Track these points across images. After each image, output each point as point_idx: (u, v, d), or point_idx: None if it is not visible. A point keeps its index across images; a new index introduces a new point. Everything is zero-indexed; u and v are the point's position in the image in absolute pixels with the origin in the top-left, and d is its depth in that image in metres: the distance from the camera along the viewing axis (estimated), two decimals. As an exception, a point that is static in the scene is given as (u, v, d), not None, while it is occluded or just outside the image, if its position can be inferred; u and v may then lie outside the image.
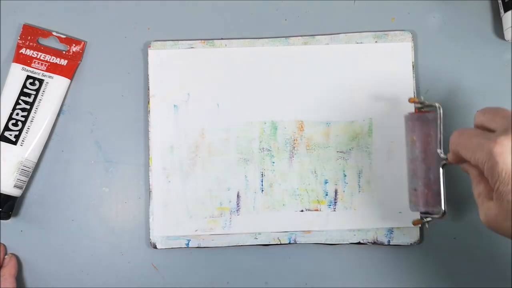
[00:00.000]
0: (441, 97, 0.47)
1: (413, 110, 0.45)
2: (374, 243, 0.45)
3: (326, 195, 0.45)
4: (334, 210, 0.45)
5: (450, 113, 0.47)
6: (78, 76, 0.47)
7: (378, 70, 0.46)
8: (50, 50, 0.46)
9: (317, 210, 0.45)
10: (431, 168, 0.42)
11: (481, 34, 0.47)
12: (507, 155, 0.30)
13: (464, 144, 0.34)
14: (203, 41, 0.46)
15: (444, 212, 0.41)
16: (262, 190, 0.45)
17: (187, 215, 0.45)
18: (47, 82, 0.45)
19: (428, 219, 0.42)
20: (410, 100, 0.43)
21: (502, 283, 0.46)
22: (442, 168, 0.41)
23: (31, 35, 0.46)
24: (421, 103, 0.43)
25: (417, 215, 0.44)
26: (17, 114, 0.44)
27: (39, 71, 0.45)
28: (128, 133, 0.46)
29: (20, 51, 0.45)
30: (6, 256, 0.45)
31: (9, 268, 0.44)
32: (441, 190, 0.41)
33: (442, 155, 0.40)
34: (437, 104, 0.41)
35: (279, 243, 0.45)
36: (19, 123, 0.44)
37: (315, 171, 0.45)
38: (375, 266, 0.46)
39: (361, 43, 0.46)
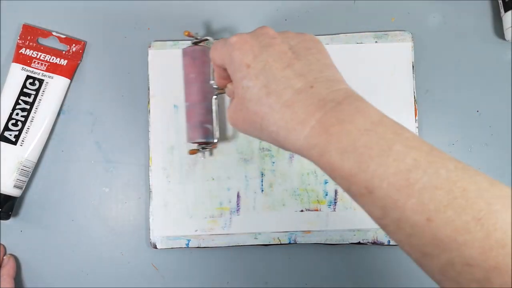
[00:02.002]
0: (441, 97, 0.47)
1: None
2: (374, 243, 0.45)
3: (326, 195, 0.45)
4: (334, 210, 0.45)
5: (450, 113, 0.47)
6: (78, 76, 0.47)
7: (378, 70, 0.46)
8: (50, 50, 0.46)
9: (317, 210, 0.45)
10: (203, 101, 0.43)
11: (481, 34, 0.47)
12: (243, 43, 0.32)
13: (214, 51, 0.35)
14: (203, 41, 0.46)
15: (216, 141, 0.43)
16: (262, 190, 0.45)
17: (187, 215, 0.45)
18: (47, 82, 0.45)
19: (204, 149, 0.44)
20: (185, 33, 0.44)
21: (502, 283, 0.46)
22: (215, 98, 0.43)
23: (31, 35, 0.46)
24: (195, 37, 0.44)
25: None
26: (17, 114, 0.44)
27: (39, 71, 0.45)
28: (128, 133, 0.46)
29: (20, 51, 0.45)
30: (5, 257, 0.45)
31: (8, 269, 0.44)
32: (213, 120, 0.43)
33: (214, 86, 0.40)
34: (210, 39, 0.44)
35: (279, 243, 0.45)
36: (19, 123, 0.44)
37: (315, 171, 0.45)
38: (375, 266, 0.46)
39: (361, 43, 0.46)
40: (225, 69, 0.36)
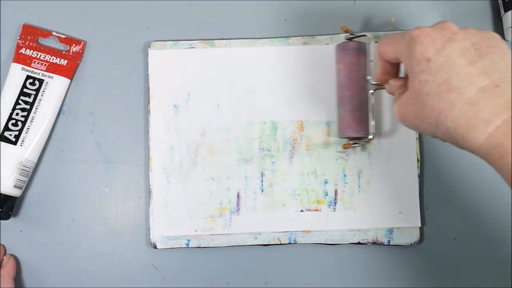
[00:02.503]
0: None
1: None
2: (374, 243, 0.45)
3: (326, 195, 0.45)
4: (334, 210, 0.45)
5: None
6: (78, 76, 0.47)
7: (378, 70, 0.46)
8: (50, 50, 0.46)
9: (317, 210, 0.45)
10: (356, 95, 0.43)
11: (481, 34, 0.47)
12: (425, 36, 0.32)
13: (386, 44, 0.36)
14: (203, 41, 0.46)
15: (372, 137, 0.44)
16: (262, 190, 0.45)
17: (187, 215, 0.45)
18: (47, 82, 0.45)
19: (356, 144, 0.44)
20: (342, 29, 0.44)
21: (502, 283, 0.46)
22: (372, 94, 0.43)
23: (31, 35, 0.46)
24: (351, 33, 0.44)
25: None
26: (17, 114, 0.44)
27: (39, 71, 0.45)
28: (128, 133, 0.46)
29: (20, 51, 0.45)
30: (4, 257, 0.45)
31: (7, 269, 0.44)
32: (369, 115, 0.43)
33: (372, 82, 0.41)
34: (368, 34, 0.43)
35: (279, 243, 0.45)
36: (19, 123, 0.44)
37: (315, 171, 0.45)
38: (375, 266, 0.46)
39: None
40: (392, 64, 0.36)
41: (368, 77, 0.40)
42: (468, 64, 0.30)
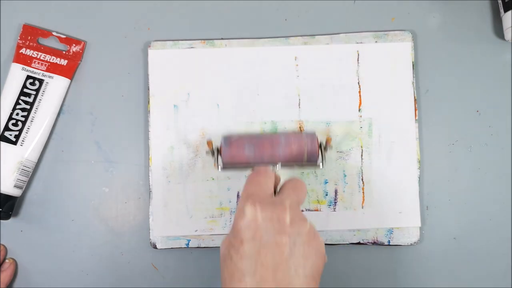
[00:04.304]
0: (441, 97, 0.47)
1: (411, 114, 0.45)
2: (374, 243, 0.45)
3: (326, 195, 0.45)
4: (334, 210, 0.45)
5: (450, 113, 0.47)
6: (78, 76, 0.47)
7: (378, 70, 0.46)
8: (50, 50, 0.46)
9: (317, 210, 0.45)
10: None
11: (481, 34, 0.47)
12: (252, 222, 0.32)
13: (246, 184, 0.36)
14: (203, 41, 0.46)
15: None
16: (262, 190, 0.45)
17: (187, 215, 0.45)
18: (47, 82, 0.45)
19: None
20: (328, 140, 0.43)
21: (502, 283, 0.46)
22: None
23: (31, 35, 0.46)
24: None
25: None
26: (17, 114, 0.44)
27: (39, 71, 0.45)
28: (128, 133, 0.46)
29: (20, 51, 0.45)
30: (6, 260, 0.45)
31: (4, 276, 0.44)
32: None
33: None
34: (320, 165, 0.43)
35: (279, 243, 0.45)
36: (19, 123, 0.44)
37: (315, 171, 0.45)
38: (375, 266, 0.46)
39: (361, 43, 0.46)
40: None
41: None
42: (269, 268, 0.31)
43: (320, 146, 0.43)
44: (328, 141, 0.43)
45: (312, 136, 0.43)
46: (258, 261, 0.31)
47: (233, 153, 0.42)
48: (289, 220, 0.32)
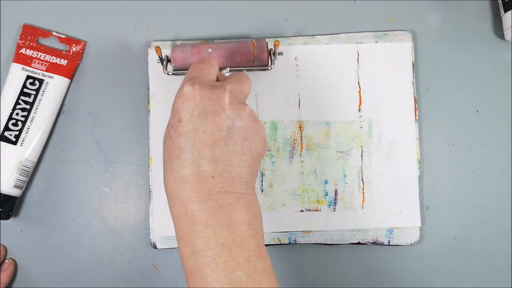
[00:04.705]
0: (441, 97, 0.47)
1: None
2: (374, 243, 0.45)
3: (326, 195, 0.45)
4: (334, 210, 0.45)
5: (450, 113, 0.47)
6: (78, 76, 0.47)
7: (378, 70, 0.46)
8: (50, 50, 0.46)
9: (317, 210, 0.45)
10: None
11: (481, 34, 0.47)
12: (190, 98, 0.33)
13: (208, 66, 0.37)
14: (203, 41, 0.46)
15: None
16: (262, 190, 0.45)
17: (187, 215, 0.45)
18: (47, 82, 0.45)
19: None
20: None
21: (502, 283, 0.46)
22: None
23: (31, 35, 0.46)
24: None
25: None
26: (17, 114, 0.44)
27: (39, 71, 0.45)
28: (128, 133, 0.46)
29: (20, 51, 0.45)
30: (6, 261, 0.45)
31: (5, 276, 0.44)
32: None
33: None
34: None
35: (279, 243, 0.45)
36: (19, 123, 0.44)
37: (315, 171, 0.45)
38: (375, 266, 0.46)
39: (361, 43, 0.46)
40: None
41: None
42: (207, 144, 0.31)
43: (269, 51, 0.44)
44: (276, 45, 0.43)
45: (261, 41, 0.43)
46: (196, 137, 0.31)
47: (184, 55, 0.43)
48: (228, 101, 0.33)
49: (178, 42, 0.46)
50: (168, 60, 0.44)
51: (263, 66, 0.44)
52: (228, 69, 0.42)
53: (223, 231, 0.30)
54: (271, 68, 0.44)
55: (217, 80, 0.37)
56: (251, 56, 0.43)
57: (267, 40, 0.44)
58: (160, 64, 0.45)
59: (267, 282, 0.31)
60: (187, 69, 0.42)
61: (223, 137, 0.32)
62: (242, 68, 0.44)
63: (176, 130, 0.32)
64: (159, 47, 0.42)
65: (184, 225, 0.31)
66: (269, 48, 0.44)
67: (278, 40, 0.43)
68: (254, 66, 0.44)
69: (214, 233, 0.30)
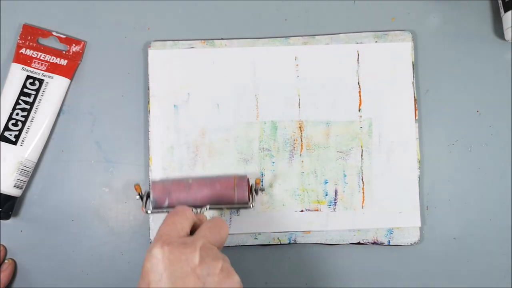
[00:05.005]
0: (441, 97, 0.47)
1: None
2: (374, 243, 0.45)
3: (326, 195, 0.45)
4: (334, 210, 0.45)
5: (450, 113, 0.47)
6: (78, 76, 0.47)
7: (378, 70, 0.46)
8: (50, 50, 0.46)
9: (317, 210, 0.45)
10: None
11: (481, 34, 0.47)
12: (159, 262, 0.32)
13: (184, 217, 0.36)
14: (203, 41, 0.46)
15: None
16: (262, 190, 0.45)
17: (187, 215, 0.45)
18: (47, 82, 0.45)
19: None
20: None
21: (502, 283, 0.46)
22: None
23: (31, 35, 0.46)
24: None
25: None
26: (17, 114, 0.44)
27: (39, 71, 0.45)
28: (128, 133, 0.46)
29: (20, 51, 0.45)
30: (6, 261, 0.45)
31: (4, 276, 0.44)
32: None
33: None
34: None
35: (279, 243, 0.45)
36: (19, 123, 0.44)
37: (315, 171, 0.45)
38: (375, 266, 0.46)
39: (361, 43, 0.46)
40: None
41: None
42: None
43: (250, 188, 0.43)
44: (257, 183, 0.43)
45: (242, 178, 0.43)
46: None
47: (163, 195, 0.42)
48: (198, 261, 0.32)
49: (178, 42, 0.46)
50: (148, 197, 0.43)
51: (244, 203, 0.43)
52: (207, 206, 0.41)
53: None
54: (252, 206, 0.42)
55: (193, 226, 0.36)
56: (232, 195, 0.42)
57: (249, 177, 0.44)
58: (160, 64, 0.45)
59: None
60: (166, 207, 0.42)
61: None
62: (223, 206, 0.43)
63: None
64: (139, 185, 0.41)
65: None
66: (250, 185, 0.43)
67: (259, 179, 0.43)
68: (235, 204, 0.42)
69: None
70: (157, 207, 0.42)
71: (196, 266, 0.31)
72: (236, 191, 0.42)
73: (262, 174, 0.45)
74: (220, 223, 0.36)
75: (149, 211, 0.42)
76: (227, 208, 0.44)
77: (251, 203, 0.43)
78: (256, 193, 0.43)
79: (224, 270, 0.32)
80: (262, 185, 0.44)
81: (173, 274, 0.31)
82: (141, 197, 0.42)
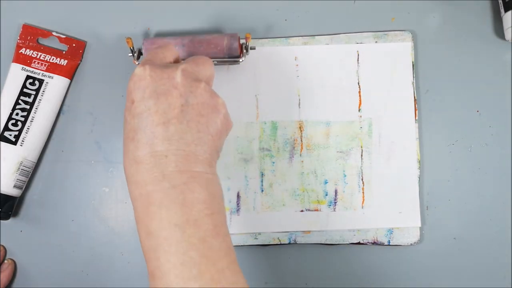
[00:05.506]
0: (441, 97, 0.47)
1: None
2: (374, 243, 0.45)
3: (326, 195, 0.45)
4: (334, 210, 0.45)
5: (450, 113, 0.47)
6: (78, 76, 0.47)
7: (378, 70, 0.46)
8: (50, 50, 0.46)
9: (317, 210, 0.45)
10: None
11: (481, 34, 0.47)
12: (141, 79, 0.33)
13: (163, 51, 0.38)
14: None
15: None
16: (262, 190, 0.45)
17: (187, 215, 0.45)
18: (47, 82, 0.45)
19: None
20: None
21: (502, 283, 0.46)
22: None
23: (31, 35, 0.46)
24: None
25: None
26: (17, 114, 0.44)
27: (39, 71, 0.45)
28: (128, 133, 0.46)
29: (20, 51, 0.45)
30: (5, 261, 0.45)
31: (4, 276, 0.44)
32: None
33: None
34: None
35: (279, 243, 0.45)
36: (19, 123, 0.44)
37: (315, 171, 0.45)
38: (375, 266, 0.46)
39: (361, 43, 0.46)
40: None
41: None
42: (160, 123, 0.31)
43: (241, 44, 0.43)
44: (247, 37, 0.42)
45: (233, 35, 0.43)
46: (149, 118, 0.31)
47: (154, 41, 0.42)
48: (180, 79, 0.32)
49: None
50: (140, 53, 0.43)
51: (235, 57, 0.43)
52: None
53: (176, 211, 0.30)
54: (242, 61, 0.43)
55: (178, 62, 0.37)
56: (222, 48, 0.42)
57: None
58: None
59: (224, 261, 0.30)
60: None
61: (176, 115, 0.31)
62: (213, 60, 0.42)
63: (130, 112, 0.32)
64: (130, 39, 0.41)
65: (139, 207, 0.31)
66: (240, 42, 0.43)
67: (249, 33, 0.43)
68: (225, 58, 0.43)
69: (167, 214, 0.30)
70: None
71: (178, 83, 0.32)
72: (226, 40, 0.42)
73: (262, 174, 0.45)
74: (204, 58, 0.36)
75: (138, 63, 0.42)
76: (218, 61, 0.43)
77: (242, 57, 0.43)
78: (247, 50, 0.43)
79: (207, 90, 0.33)
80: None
81: (156, 90, 0.32)
82: (133, 52, 0.43)
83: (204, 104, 0.32)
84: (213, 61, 0.42)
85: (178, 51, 0.41)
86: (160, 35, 0.47)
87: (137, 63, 0.43)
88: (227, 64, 0.44)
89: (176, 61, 0.37)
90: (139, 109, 0.31)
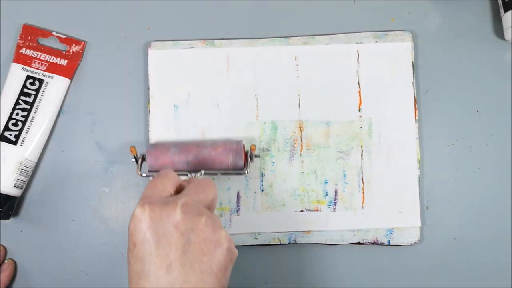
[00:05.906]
0: (441, 97, 0.47)
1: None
2: (374, 243, 0.45)
3: (326, 195, 0.45)
4: (334, 210, 0.45)
5: (450, 113, 0.47)
6: (78, 76, 0.47)
7: (378, 70, 0.46)
8: (50, 50, 0.46)
9: (317, 210, 0.45)
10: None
11: (481, 34, 0.47)
12: (141, 220, 0.32)
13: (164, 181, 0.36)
14: (203, 41, 0.46)
15: None
16: (262, 190, 0.45)
17: (187, 215, 0.45)
18: (47, 82, 0.45)
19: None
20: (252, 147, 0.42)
21: (502, 283, 0.46)
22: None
23: (31, 35, 0.46)
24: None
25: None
26: (17, 114, 0.44)
27: (39, 71, 0.45)
28: (128, 133, 0.46)
29: (20, 51, 0.45)
30: (6, 261, 0.45)
31: (4, 276, 0.44)
32: None
33: None
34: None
35: (279, 243, 0.45)
36: (19, 123, 0.44)
37: (315, 171, 0.45)
38: (375, 266, 0.46)
39: (361, 43, 0.46)
40: None
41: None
42: (163, 268, 0.30)
43: (246, 154, 0.43)
44: (252, 149, 0.42)
45: (238, 143, 0.42)
46: (151, 261, 0.31)
47: (158, 157, 0.42)
48: (180, 217, 0.31)
49: (178, 42, 0.46)
50: (143, 160, 0.43)
51: (239, 169, 0.42)
52: (202, 172, 0.41)
53: None
54: (247, 173, 0.42)
55: (180, 189, 0.36)
56: (227, 161, 0.42)
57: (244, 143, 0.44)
58: (160, 64, 0.45)
59: None
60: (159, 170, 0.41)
61: (178, 257, 0.31)
62: (217, 172, 0.42)
63: (132, 255, 0.31)
64: (135, 148, 0.41)
65: None
66: (245, 151, 0.43)
67: (254, 145, 0.42)
68: (229, 170, 0.42)
69: None
70: (152, 170, 0.42)
71: (178, 222, 0.31)
72: (231, 157, 0.42)
73: (262, 174, 0.45)
74: (206, 182, 0.35)
75: (143, 174, 0.42)
76: (222, 174, 0.43)
77: (246, 169, 0.42)
78: (251, 159, 0.43)
79: (208, 224, 0.32)
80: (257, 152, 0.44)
81: (156, 231, 0.31)
82: (136, 160, 0.43)
83: (206, 241, 0.32)
84: (217, 173, 0.43)
85: (182, 166, 0.42)
86: (160, 35, 0.47)
87: (139, 172, 0.42)
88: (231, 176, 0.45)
89: (178, 190, 0.36)
90: (141, 252, 0.31)
